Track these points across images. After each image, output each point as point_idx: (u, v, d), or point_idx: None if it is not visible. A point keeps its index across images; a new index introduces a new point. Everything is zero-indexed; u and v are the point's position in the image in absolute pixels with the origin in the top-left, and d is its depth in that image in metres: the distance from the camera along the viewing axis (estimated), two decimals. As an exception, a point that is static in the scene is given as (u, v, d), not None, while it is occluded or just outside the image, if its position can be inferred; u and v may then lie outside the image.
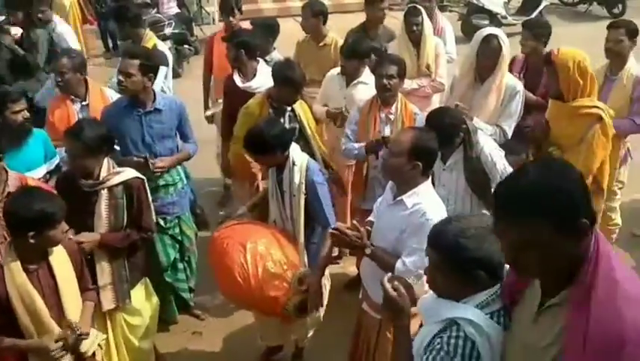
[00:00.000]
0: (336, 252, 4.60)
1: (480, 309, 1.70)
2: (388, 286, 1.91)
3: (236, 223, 3.42)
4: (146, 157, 3.53)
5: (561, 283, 1.52)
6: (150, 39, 4.65)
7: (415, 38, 4.81)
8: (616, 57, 4.19)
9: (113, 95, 3.95)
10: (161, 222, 3.69)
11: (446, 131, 3.16)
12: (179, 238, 3.91)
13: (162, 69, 4.51)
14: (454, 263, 1.74)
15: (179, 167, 3.85)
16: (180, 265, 3.97)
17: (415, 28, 4.78)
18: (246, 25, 5.22)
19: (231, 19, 5.01)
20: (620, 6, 11.59)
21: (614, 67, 4.21)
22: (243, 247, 3.17)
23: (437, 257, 1.79)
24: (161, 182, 3.69)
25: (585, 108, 3.52)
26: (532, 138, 3.86)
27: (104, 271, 3.17)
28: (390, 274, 2.05)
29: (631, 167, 4.51)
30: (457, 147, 3.32)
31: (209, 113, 5.10)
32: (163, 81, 4.61)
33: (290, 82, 3.71)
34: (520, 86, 3.95)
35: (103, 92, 3.97)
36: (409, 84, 4.61)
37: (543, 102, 4.02)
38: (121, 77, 3.54)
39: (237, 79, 4.33)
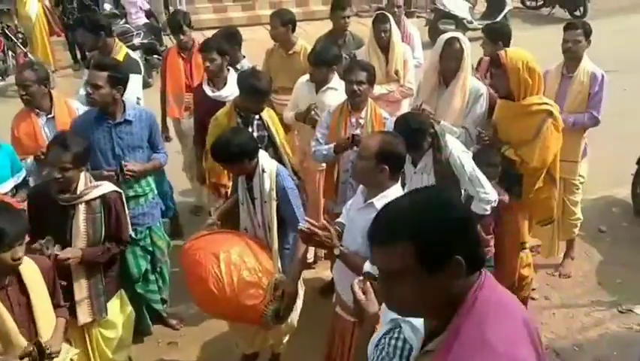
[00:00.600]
0: (311, 257, 4.62)
1: None
2: (357, 289, 1.93)
3: (207, 233, 3.41)
4: (116, 172, 3.51)
5: (440, 327, 1.40)
6: (121, 48, 4.62)
7: (384, 45, 4.88)
8: (573, 56, 4.32)
9: (80, 107, 3.91)
10: (132, 234, 3.66)
11: (414, 136, 3.22)
12: (150, 248, 3.88)
13: (138, 78, 4.52)
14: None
15: (149, 177, 3.83)
16: (152, 277, 3.94)
17: (383, 34, 4.86)
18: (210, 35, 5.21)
19: (182, 37, 4.99)
20: (581, 9, 11.90)
21: (570, 65, 4.34)
22: (216, 256, 3.17)
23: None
24: (131, 193, 3.66)
25: (535, 105, 3.65)
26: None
27: (82, 285, 3.15)
28: (360, 277, 2.07)
29: (597, 163, 4.64)
30: (427, 150, 3.38)
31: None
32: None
33: (255, 91, 3.74)
34: (484, 88, 4.03)
35: (69, 104, 3.91)
36: (378, 90, 4.67)
37: None
38: (89, 89, 3.51)
39: (207, 88, 4.35)
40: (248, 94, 3.77)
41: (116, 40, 4.70)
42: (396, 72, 4.92)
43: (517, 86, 3.61)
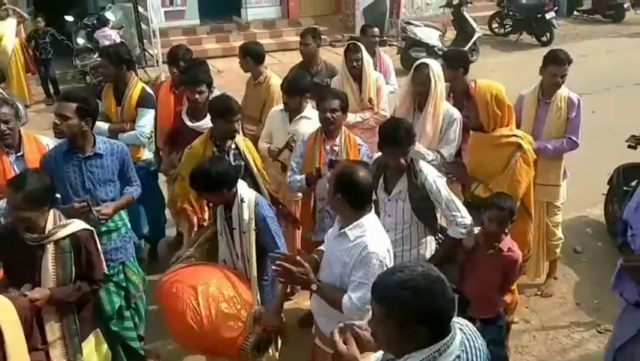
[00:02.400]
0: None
1: None
2: (338, 338, 1.89)
3: (184, 266, 3.35)
4: (87, 201, 3.44)
5: None
6: (137, 83, 4.61)
7: (356, 73, 4.95)
8: (558, 87, 4.36)
9: (50, 143, 3.83)
10: (105, 270, 3.58)
11: (401, 134, 3.26)
12: (124, 284, 3.79)
13: (152, 112, 4.58)
14: (395, 317, 1.66)
15: (121, 212, 3.77)
16: (127, 313, 3.84)
17: (355, 63, 4.93)
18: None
19: (175, 70, 4.96)
20: (547, 35, 12.25)
21: (546, 92, 4.38)
22: (194, 289, 3.11)
23: (378, 310, 1.71)
24: (103, 228, 3.59)
25: (505, 137, 3.67)
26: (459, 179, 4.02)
27: (54, 326, 3.05)
28: (341, 324, 2.00)
29: (570, 185, 4.71)
30: (403, 172, 3.38)
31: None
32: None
33: (221, 113, 3.73)
34: (457, 113, 4.09)
35: (38, 140, 3.82)
36: (352, 117, 4.72)
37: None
38: (57, 120, 3.45)
39: (186, 118, 4.35)
40: (216, 117, 3.77)
41: (133, 74, 4.70)
42: (370, 100, 4.99)
43: (487, 117, 3.65)
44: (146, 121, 4.54)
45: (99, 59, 9.32)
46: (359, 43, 5.07)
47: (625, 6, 14.40)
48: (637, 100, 8.58)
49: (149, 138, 4.64)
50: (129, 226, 3.87)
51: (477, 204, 3.73)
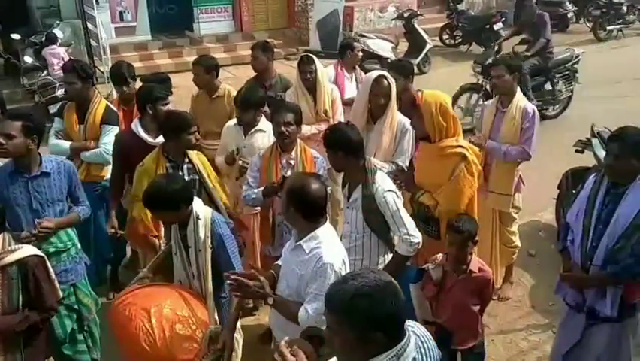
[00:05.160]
0: (251, 304, 4.50)
1: None
2: (286, 351, 1.88)
3: (138, 287, 3.25)
4: (35, 234, 3.33)
5: None
6: (101, 100, 4.50)
7: (310, 85, 4.96)
8: (502, 91, 4.49)
9: (-5, 164, 3.71)
10: (59, 296, 3.44)
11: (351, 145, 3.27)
12: (76, 306, 3.67)
13: (116, 129, 4.44)
14: (349, 325, 1.67)
15: (70, 232, 3.65)
16: (80, 336, 3.72)
17: (308, 75, 4.94)
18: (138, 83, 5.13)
19: (125, 88, 4.86)
20: (495, 45, 12.58)
21: (504, 100, 4.50)
22: (147, 311, 3.02)
23: (332, 319, 1.72)
24: (51, 249, 3.47)
25: (450, 148, 3.71)
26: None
27: None
28: (287, 338, 2.00)
29: (524, 191, 4.82)
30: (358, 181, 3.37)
31: None
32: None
33: (180, 127, 3.66)
34: (408, 123, 4.14)
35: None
36: (308, 129, 4.71)
37: None
38: (1, 140, 3.32)
39: (143, 133, 4.13)
40: (166, 133, 3.70)
41: (96, 90, 4.58)
42: (325, 112, 4.99)
43: (432, 128, 3.69)
44: (110, 138, 4.38)
45: (48, 77, 9.16)
46: (312, 56, 5.09)
47: (569, 16, 14.96)
48: (584, 105, 8.89)
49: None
50: (79, 246, 3.75)
51: (423, 214, 3.74)
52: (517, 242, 4.80)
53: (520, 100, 4.45)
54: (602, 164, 3.19)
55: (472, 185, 3.74)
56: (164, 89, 4.47)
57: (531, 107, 4.44)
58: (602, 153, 5.17)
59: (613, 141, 3.10)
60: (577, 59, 8.78)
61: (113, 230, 4.19)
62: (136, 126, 4.17)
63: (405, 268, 3.45)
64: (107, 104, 4.52)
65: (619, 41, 14.01)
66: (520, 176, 4.63)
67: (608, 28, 14.10)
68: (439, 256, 3.44)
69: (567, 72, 8.78)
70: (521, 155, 4.43)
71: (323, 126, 4.94)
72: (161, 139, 4.11)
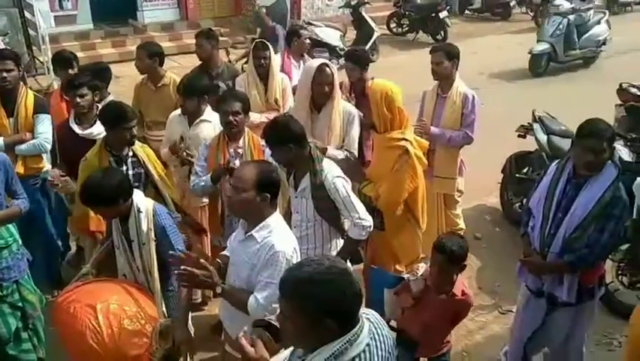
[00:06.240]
0: (199, 298, 4.44)
1: (334, 360, 1.67)
2: (244, 342, 1.85)
3: (82, 284, 3.16)
4: None
5: None
6: (27, 90, 4.30)
7: (262, 72, 4.91)
8: (442, 77, 4.56)
9: None
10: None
11: (281, 133, 3.22)
12: (20, 304, 3.54)
13: (49, 117, 4.27)
14: (301, 311, 1.67)
15: (11, 227, 3.50)
16: (24, 335, 3.60)
17: (262, 61, 4.89)
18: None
19: (70, 71, 4.70)
20: (442, 33, 12.80)
21: (444, 86, 4.58)
22: (93, 308, 2.94)
23: (285, 305, 1.71)
24: (-9, 245, 3.33)
25: (394, 140, 3.72)
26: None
27: None
28: (245, 328, 1.97)
29: (469, 176, 4.93)
30: (305, 172, 3.36)
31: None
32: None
33: (117, 120, 3.56)
34: (354, 109, 4.16)
35: None
36: (257, 118, 4.67)
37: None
38: None
39: (75, 127, 4.08)
40: (113, 123, 3.59)
41: (20, 82, 4.37)
42: (276, 100, 4.96)
43: (378, 118, 3.70)
44: (46, 127, 4.23)
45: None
46: (267, 42, 5.03)
47: (511, 4, 15.36)
48: (525, 92, 9.16)
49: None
50: (20, 242, 3.60)
51: (367, 205, 3.66)
52: (462, 225, 4.92)
53: (459, 86, 4.55)
54: (574, 157, 3.08)
55: (414, 179, 3.74)
56: (100, 79, 4.34)
57: (470, 92, 4.55)
58: (543, 137, 5.36)
59: (586, 137, 2.99)
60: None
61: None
62: (71, 118, 4.09)
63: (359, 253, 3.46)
64: (34, 94, 4.34)
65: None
66: (461, 160, 4.74)
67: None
68: (421, 265, 3.36)
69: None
70: (465, 139, 4.55)
71: (272, 115, 4.90)
72: (91, 130, 4.02)
